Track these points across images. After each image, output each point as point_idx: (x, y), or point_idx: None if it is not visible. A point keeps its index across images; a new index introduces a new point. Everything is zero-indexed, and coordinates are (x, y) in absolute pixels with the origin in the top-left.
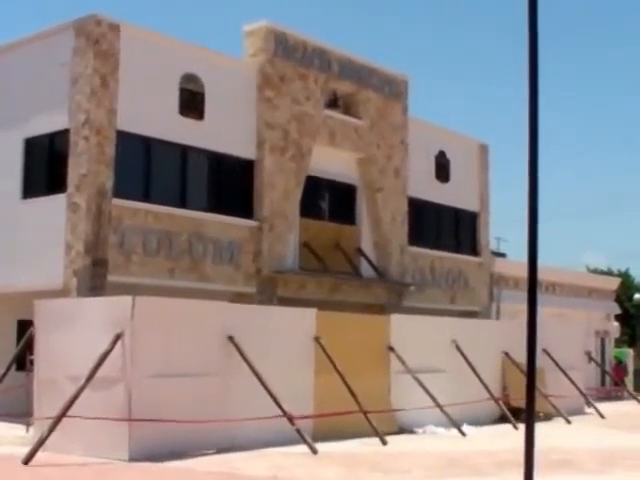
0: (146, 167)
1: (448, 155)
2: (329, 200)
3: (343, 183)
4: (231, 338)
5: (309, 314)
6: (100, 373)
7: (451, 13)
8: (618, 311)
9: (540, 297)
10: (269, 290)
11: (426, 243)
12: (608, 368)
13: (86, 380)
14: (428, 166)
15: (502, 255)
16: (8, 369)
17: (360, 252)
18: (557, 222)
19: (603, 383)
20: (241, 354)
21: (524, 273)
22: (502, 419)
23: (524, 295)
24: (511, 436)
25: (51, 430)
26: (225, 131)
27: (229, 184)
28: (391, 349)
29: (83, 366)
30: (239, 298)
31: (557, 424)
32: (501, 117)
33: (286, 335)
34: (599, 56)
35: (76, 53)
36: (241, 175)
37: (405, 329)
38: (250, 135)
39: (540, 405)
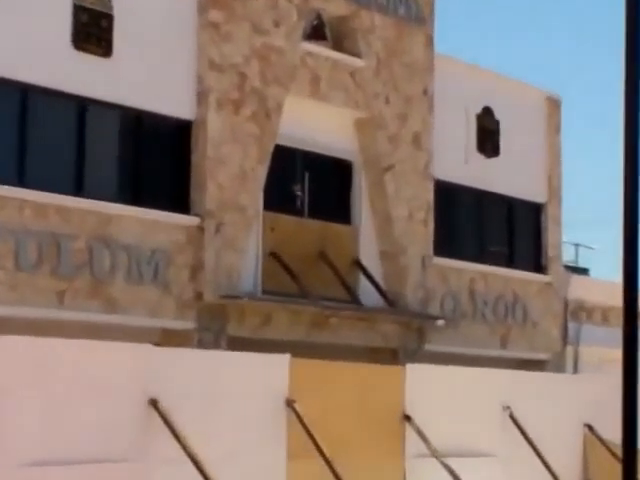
0: (20, 132)
1: (497, 114)
2: (311, 184)
3: (332, 158)
4: (154, 402)
5: (278, 364)
6: None
7: None
8: None
9: None
10: (215, 325)
11: (462, 253)
12: None
13: None
14: (466, 131)
15: (583, 271)
16: None
17: (359, 266)
18: None
19: None
20: (170, 427)
21: (618, 299)
22: None
23: (618, 334)
24: None
25: None
26: (146, 76)
27: (153, 159)
28: (407, 419)
29: None
30: (168, 338)
31: None
32: (577, 58)
33: (242, 397)
34: None
35: None
36: (172, 145)
37: (429, 388)
38: (186, 81)
39: None
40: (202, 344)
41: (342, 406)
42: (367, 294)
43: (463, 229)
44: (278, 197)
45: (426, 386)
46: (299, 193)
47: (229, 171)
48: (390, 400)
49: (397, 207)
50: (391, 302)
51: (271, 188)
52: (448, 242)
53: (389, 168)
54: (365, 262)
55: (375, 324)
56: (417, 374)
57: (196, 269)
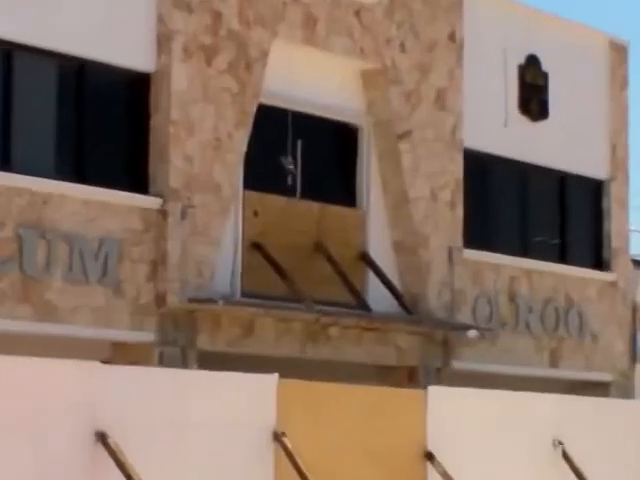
0: None
1: (545, 65)
2: (305, 156)
3: (333, 122)
4: (103, 437)
5: (264, 386)
6: None
7: None
8: None
9: None
10: (183, 337)
11: (501, 243)
12: None
13: None
14: (505, 87)
15: None
16: None
17: (367, 262)
18: None
19: None
20: (123, 468)
21: None
22: None
23: None
24: None
25: None
26: (91, 14)
27: (100, 122)
28: (429, 457)
29: None
30: (121, 353)
31: None
32: None
33: (217, 429)
34: None
35: None
36: (125, 104)
37: (457, 417)
38: (144, 23)
39: None
40: (165, 361)
41: (345, 441)
42: (377, 297)
43: (502, 213)
44: (263, 172)
45: (453, 415)
46: (290, 167)
47: (200, 138)
48: (407, 433)
49: (416, 185)
50: (408, 307)
51: (254, 161)
52: (482, 230)
53: (406, 134)
54: (375, 256)
55: (388, 335)
56: (442, 399)
57: (157, 265)
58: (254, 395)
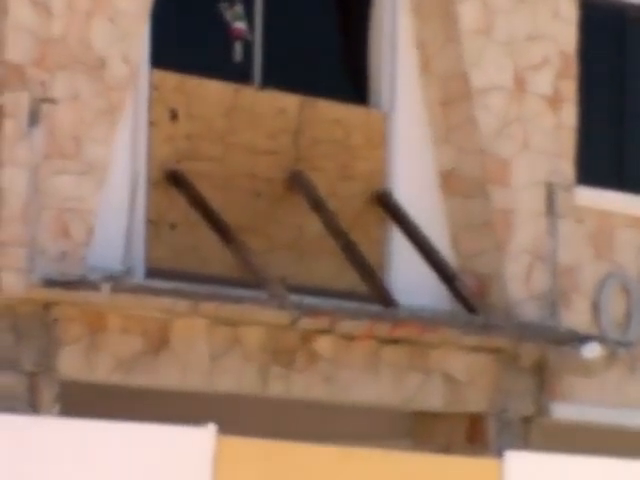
0: None
1: None
2: (269, 3)
3: None
4: None
5: (190, 447)
6: None
7: None
8: None
9: None
10: (31, 354)
11: None
12: None
13: None
14: None
15: None
16: None
17: (390, 211)
18: None
19: None
20: None
21: None
22: None
23: None
24: None
25: None
26: None
27: None
28: None
29: None
30: None
31: None
32: None
33: None
34: None
35: None
36: None
37: None
38: None
39: None
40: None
41: None
42: (409, 280)
43: None
44: (188, 36)
45: None
46: (240, 25)
47: None
48: None
49: (486, 64)
50: (469, 300)
51: (170, 14)
52: (615, 153)
53: None
54: (404, 199)
55: (430, 354)
56: (530, 476)
57: None
58: (173, 463)
